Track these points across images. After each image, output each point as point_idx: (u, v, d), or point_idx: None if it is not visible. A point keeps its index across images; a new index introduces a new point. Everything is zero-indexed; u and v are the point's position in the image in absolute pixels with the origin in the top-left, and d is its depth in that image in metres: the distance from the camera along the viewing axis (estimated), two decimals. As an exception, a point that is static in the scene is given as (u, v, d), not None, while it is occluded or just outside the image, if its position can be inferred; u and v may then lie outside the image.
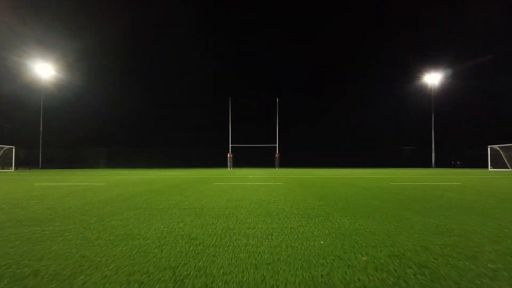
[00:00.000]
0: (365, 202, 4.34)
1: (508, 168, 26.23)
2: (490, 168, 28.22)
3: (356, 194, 5.53)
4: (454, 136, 40.61)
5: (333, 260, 1.80)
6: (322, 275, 1.57)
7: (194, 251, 1.98)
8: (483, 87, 40.49)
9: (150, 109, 44.24)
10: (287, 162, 36.80)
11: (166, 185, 8.11)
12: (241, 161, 38.36)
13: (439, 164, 39.00)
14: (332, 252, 1.96)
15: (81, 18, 41.42)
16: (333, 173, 16.91)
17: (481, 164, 31.53)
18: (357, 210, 3.60)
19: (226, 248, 2.04)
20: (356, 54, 47.46)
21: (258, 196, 5.42)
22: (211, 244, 2.13)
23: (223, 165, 35.83)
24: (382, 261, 1.78)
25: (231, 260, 1.80)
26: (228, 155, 32.55)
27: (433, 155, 39.44)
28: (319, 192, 5.93)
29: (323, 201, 4.51)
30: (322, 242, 2.19)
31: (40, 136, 35.54)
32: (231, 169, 32.05)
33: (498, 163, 27.30)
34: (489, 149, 28.50)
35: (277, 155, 32.48)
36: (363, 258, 1.83)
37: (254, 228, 2.67)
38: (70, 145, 40.66)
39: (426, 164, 39.74)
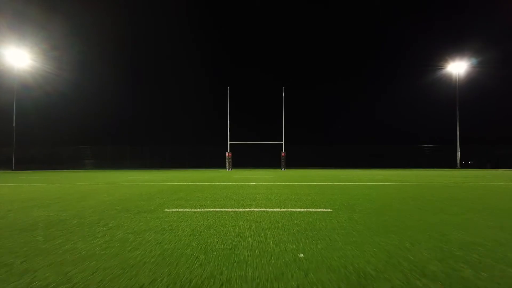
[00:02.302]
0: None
1: None
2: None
3: None
4: (482, 132, 36.00)
5: None
6: None
7: None
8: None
9: (138, 103, 39.76)
10: (292, 162, 32.33)
11: (119, 199, 3.73)
12: (241, 161, 33.98)
13: (464, 164, 34.40)
14: None
15: (60, 2, 37.18)
16: (365, 178, 12.48)
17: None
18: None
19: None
20: (372, 39, 41.98)
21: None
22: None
23: (221, 165, 31.49)
24: None
25: None
26: (227, 154, 28.20)
27: (458, 153, 34.88)
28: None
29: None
30: None
31: (14, 134, 31.29)
32: (230, 169, 27.68)
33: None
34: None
35: (283, 154, 28.08)
36: None
37: None
38: (48, 144, 36.41)
39: (449, 163, 35.17)
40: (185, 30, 40.34)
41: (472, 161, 36.04)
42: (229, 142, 28.41)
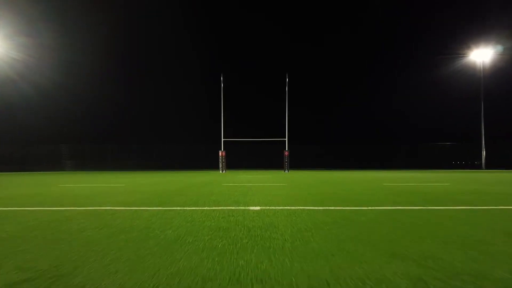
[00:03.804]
0: None
1: None
2: None
3: None
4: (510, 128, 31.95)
5: None
6: None
7: None
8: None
9: (121, 96, 35.04)
10: (296, 162, 28.07)
11: None
12: (237, 161, 29.72)
13: (490, 165, 30.27)
14: None
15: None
16: (415, 184, 8.25)
17: None
18: None
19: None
20: (385, 23, 36.80)
21: None
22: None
23: (213, 166, 27.21)
24: None
25: None
26: (220, 153, 23.95)
27: (483, 153, 30.84)
28: None
29: None
30: None
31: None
32: (224, 171, 23.44)
33: None
34: None
35: (286, 153, 23.86)
36: None
37: None
38: (23, 142, 31.86)
39: (470, 164, 31.14)
40: (171, 13, 35.94)
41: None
42: (222, 139, 24.16)
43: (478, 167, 31.03)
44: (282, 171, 23.96)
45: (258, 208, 4.28)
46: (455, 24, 33.20)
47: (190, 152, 31.54)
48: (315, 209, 4.10)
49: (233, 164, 28.53)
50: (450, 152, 32.48)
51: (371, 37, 37.58)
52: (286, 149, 23.96)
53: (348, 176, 15.35)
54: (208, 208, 4.24)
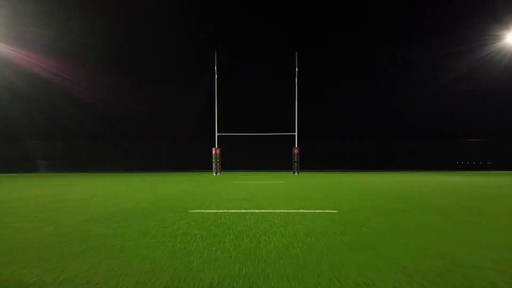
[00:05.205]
0: None
1: None
2: None
3: None
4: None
5: None
6: None
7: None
8: None
9: (95, 85, 29.28)
10: (306, 161, 23.31)
11: None
12: (234, 160, 25.15)
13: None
14: None
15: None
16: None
17: None
18: None
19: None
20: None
21: None
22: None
23: (205, 167, 22.63)
24: None
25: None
26: (213, 151, 19.42)
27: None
28: None
29: None
30: None
31: None
32: (218, 173, 18.93)
33: None
34: None
35: (295, 151, 19.32)
36: None
37: None
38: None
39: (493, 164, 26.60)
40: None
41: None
42: (216, 134, 19.58)
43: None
44: (290, 173, 19.48)
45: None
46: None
47: (175, 149, 26.87)
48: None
49: (230, 164, 23.98)
50: (471, 149, 28.00)
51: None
52: (296, 146, 19.42)
53: (383, 180, 10.86)
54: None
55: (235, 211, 4.54)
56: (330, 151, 26.34)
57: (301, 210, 4.56)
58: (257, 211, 4.52)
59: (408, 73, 30.51)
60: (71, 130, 29.00)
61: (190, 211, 4.55)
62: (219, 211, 4.55)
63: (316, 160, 25.44)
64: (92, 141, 27.14)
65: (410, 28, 31.02)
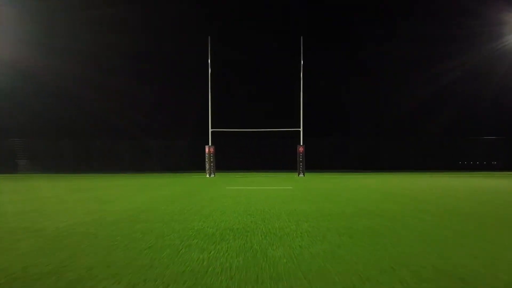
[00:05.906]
0: None
1: None
2: None
3: None
4: None
5: None
6: None
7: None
8: None
9: (75, 77, 25.61)
10: (311, 160, 20.84)
11: None
12: (231, 160, 22.83)
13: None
14: None
15: None
16: None
17: None
18: None
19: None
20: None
21: None
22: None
23: (197, 167, 20.29)
24: None
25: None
26: (207, 149, 17.06)
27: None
28: None
29: None
30: None
31: None
32: (212, 175, 16.61)
33: None
34: None
35: (300, 149, 17.00)
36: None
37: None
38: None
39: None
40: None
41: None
42: (210, 130, 17.20)
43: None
44: (294, 174, 17.19)
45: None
46: None
47: (166, 148, 24.43)
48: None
49: (226, 164, 21.63)
50: (487, 147, 25.91)
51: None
52: (301, 143, 17.09)
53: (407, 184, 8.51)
54: None
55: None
56: (339, 149, 23.99)
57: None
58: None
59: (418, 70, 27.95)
60: (55, 128, 26.28)
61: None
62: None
63: (321, 159, 23.13)
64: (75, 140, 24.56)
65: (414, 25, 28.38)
